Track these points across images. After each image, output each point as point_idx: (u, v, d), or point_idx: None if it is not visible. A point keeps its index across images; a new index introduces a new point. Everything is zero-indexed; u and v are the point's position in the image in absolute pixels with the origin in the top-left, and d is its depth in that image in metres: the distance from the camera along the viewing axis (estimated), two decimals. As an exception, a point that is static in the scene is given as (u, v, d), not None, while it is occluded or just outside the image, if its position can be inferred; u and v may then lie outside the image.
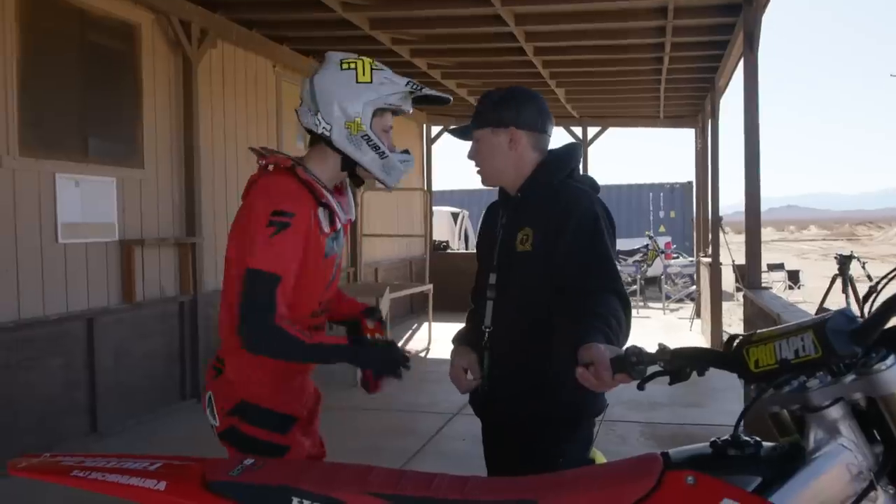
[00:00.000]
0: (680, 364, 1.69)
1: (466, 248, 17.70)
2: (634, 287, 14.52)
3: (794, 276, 15.54)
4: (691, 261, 15.18)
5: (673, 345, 1.72)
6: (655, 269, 15.32)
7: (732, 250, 8.96)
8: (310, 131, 2.32)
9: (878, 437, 1.55)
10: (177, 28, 6.76)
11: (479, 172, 2.49)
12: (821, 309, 7.92)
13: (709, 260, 10.43)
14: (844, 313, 1.54)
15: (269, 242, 2.14)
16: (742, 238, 6.95)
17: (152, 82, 6.65)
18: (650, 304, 14.39)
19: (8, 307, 5.25)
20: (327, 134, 2.27)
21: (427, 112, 13.79)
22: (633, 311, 2.30)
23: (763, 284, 6.87)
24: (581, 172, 2.49)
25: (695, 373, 1.71)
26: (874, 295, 1.66)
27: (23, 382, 5.28)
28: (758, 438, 1.62)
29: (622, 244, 12.31)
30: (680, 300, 14.79)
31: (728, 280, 11.70)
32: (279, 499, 1.73)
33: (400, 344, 2.52)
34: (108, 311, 6.09)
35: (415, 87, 2.33)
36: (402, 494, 1.71)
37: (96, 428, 5.89)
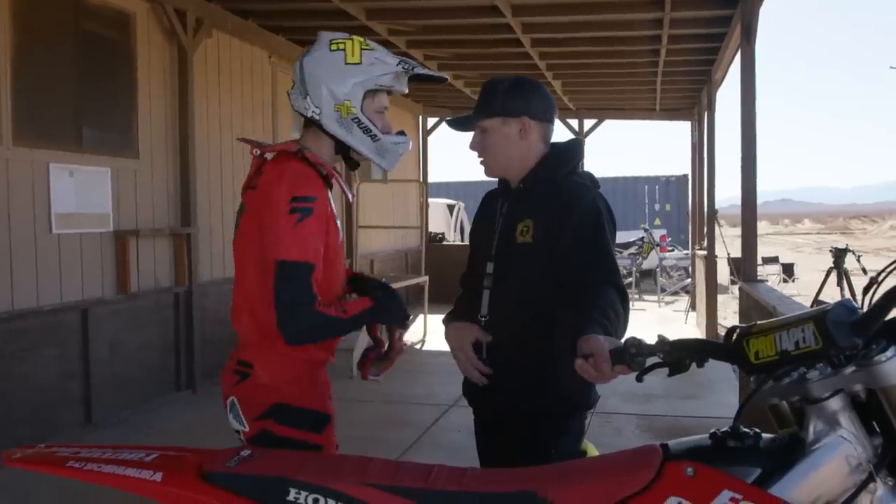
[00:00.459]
0: (679, 355, 1.69)
1: (462, 240, 17.68)
2: (630, 280, 14.51)
3: (788, 270, 15.59)
4: (686, 254, 15.19)
5: (668, 337, 1.71)
6: (651, 261, 15.33)
7: (727, 243, 8.97)
8: (301, 114, 2.28)
9: (878, 429, 1.55)
10: (172, 17, 6.72)
11: (483, 163, 2.44)
12: (816, 302, 7.94)
13: (704, 253, 10.45)
14: (845, 305, 1.54)
15: (294, 230, 2.07)
16: (737, 231, 6.95)
17: (147, 72, 6.61)
18: (645, 297, 14.41)
19: (2, 298, 5.22)
20: (317, 118, 2.22)
21: (423, 103, 13.77)
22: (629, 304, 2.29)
23: (758, 277, 6.87)
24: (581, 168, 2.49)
25: (692, 365, 1.71)
26: (875, 286, 1.66)
27: (17, 373, 5.26)
28: (757, 430, 1.62)
29: (618, 237, 12.24)
30: (675, 293, 14.81)
31: (723, 273, 11.72)
32: (276, 490, 1.72)
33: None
34: (103, 301, 6.07)
35: (407, 66, 2.26)
36: (400, 486, 1.70)
37: (91, 419, 5.88)
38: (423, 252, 11.01)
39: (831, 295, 8.28)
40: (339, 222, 2.30)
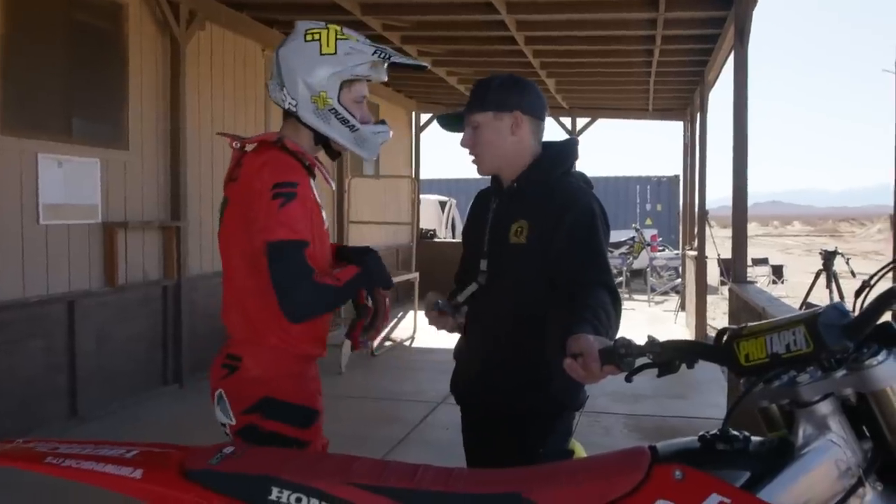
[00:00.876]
0: (669, 356, 1.67)
1: (453, 237, 17.65)
2: (620, 279, 14.53)
3: (777, 271, 15.64)
4: (677, 254, 15.22)
5: (658, 337, 1.70)
6: (641, 261, 15.36)
7: (717, 244, 8.99)
8: (279, 106, 2.27)
9: (867, 434, 1.54)
10: (165, 9, 6.67)
11: (475, 161, 2.41)
12: (805, 304, 7.96)
13: (695, 253, 10.45)
14: (836, 308, 1.52)
15: (280, 213, 2.06)
16: (727, 232, 6.96)
17: (139, 63, 6.56)
18: (635, 297, 14.42)
19: (-12, 288, 5.18)
20: (293, 109, 2.22)
21: (417, 100, 13.73)
22: (619, 305, 2.28)
23: (748, 279, 6.88)
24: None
25: (681, 366, 1.69)
26: (867, 290, 1.65)
27: (2, 366, 5.22)
28: (746, 433, 1.61)
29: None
30: (665, 293, 14.84)
31: (712, 274, 11.74)
32: (259, 488, 1.69)
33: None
34: (90, 294, 6.03)
35: (383, 54, 2.24)
36: (385, 486, 1.68)
37: (77, 412, 5.83)
38: (414, 248, 10.98)
39: (820, 297, 8.31)
40: (324, 213, 2.30)
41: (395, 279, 10.05)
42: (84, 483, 1.75)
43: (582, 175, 2.45)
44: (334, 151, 2.36)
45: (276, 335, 2.19)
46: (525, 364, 2.28)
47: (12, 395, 5.28)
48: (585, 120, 14.09)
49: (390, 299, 2.38)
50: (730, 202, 6.24)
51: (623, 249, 15.31)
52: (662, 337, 1.70)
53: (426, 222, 16.29)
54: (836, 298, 8.27)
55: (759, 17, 6.32)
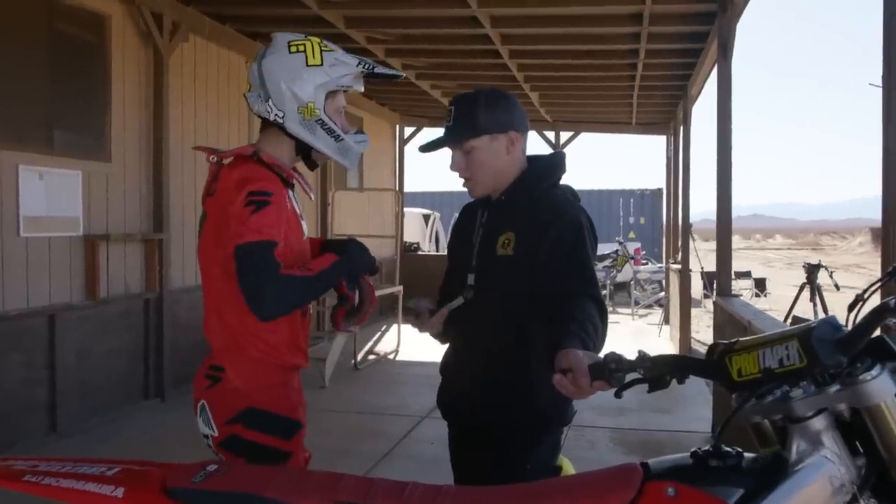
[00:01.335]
0: (660, 372, 1.65)
1: (437, 250, 17.64)
2: (604, 292, 14.55)
3: (760, 284, 15.73)
4: (660, 267, 15.26)
5: (648, 352, 1.68)
6: (625, 274, 15.40)
7: (700, 257, 9.01)
8: (262, 117, 2.27)
9: (861, 450, 1.52)
10: (148, 20, 6.64)
11: (469, 184, 2.37)
12: (790, 317, 7.99)
13: (678, 266, 10.48)
14: (830, 322, 1.51)
15: (251, 219, 2.06)
16: (710, 245, 6.99)
17: (122, 75, 6.52)
18: (619, 310, 14.45)
19: (-34, 302, 5.10)
20: (280, 120, 2.23)
21: (400, 112, 13.73)
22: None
23: (732, 292, 6.89)
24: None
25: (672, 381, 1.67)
26: (860, 304, 1.63)
27: (-20, 379, 5.14)
28: (739, 449, 1.59)
29: (593, 249, 12.30)
30: (649, 306, 14.88)
31: (696, 287, 11.79)
32: (242, 507, 1.66)
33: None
34: (71, 307, 5.95)
35: (366, 66, 2.29)
36: (371, 504, 1.65)
37: (56, 427, 5.74)
38: (398, 262, 10.95)
39: (804, 310, 8.35)
40: (304, 224, 2.31)
41: (379, 293, 10.04)
42: (63, 502, 1.71)
43: (569, 188, 2.44)
44: (313, 162, 2.39)
45: (256, 346, 2.19)
46: (512, 378, 2.25)
47: (-10, 410, 5.19)
48: (569, 133, 14.13)
49: (373, 286, 2.40)
50: (712, 215, 6.26)
51: (607, 263, 15.34)
52: (647, 350, 1.69)
53: (410, 235, 16.26)
54: (821, 311, 8.31)
55: (739, 30, 6.37)
